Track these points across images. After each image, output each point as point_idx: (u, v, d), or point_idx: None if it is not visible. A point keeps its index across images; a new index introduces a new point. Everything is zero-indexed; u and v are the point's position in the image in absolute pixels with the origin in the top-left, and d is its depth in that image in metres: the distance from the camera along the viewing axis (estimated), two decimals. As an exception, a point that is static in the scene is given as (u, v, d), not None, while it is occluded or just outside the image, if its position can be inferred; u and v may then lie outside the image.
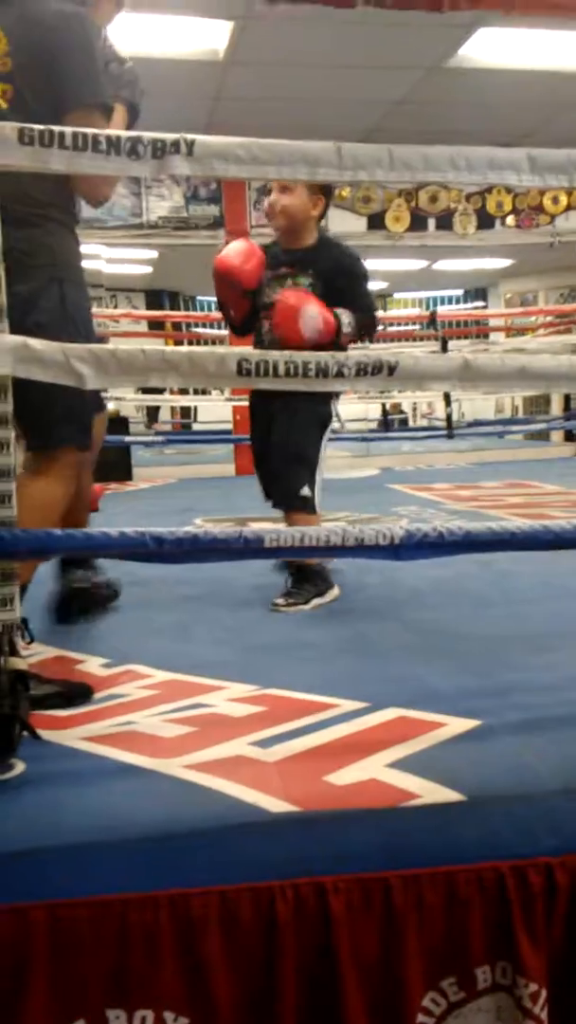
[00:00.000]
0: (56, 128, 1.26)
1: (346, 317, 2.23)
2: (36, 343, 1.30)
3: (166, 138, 1.30)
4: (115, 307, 8.08)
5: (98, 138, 1.28)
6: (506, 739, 1.31)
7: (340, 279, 2.30)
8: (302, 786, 1.17)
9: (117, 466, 5.54)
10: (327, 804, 1.13)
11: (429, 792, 1.15)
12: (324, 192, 2.40)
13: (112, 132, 1.28)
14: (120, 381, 1.36)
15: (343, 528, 1.40)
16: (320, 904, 1.06)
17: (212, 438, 6.97)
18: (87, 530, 1.33)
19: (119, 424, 6.39)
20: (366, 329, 2.33)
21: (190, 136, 1.30)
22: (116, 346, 1.32)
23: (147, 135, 1.29)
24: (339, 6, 1.33)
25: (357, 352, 1.43)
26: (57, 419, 1.67)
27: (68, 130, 1.26)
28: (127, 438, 5.97)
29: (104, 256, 6.86)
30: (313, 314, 2.16)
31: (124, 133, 1.28)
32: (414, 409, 11.63)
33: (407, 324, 8.57)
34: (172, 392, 7.24)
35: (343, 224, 6.38)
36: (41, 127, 1.25)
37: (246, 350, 1.38)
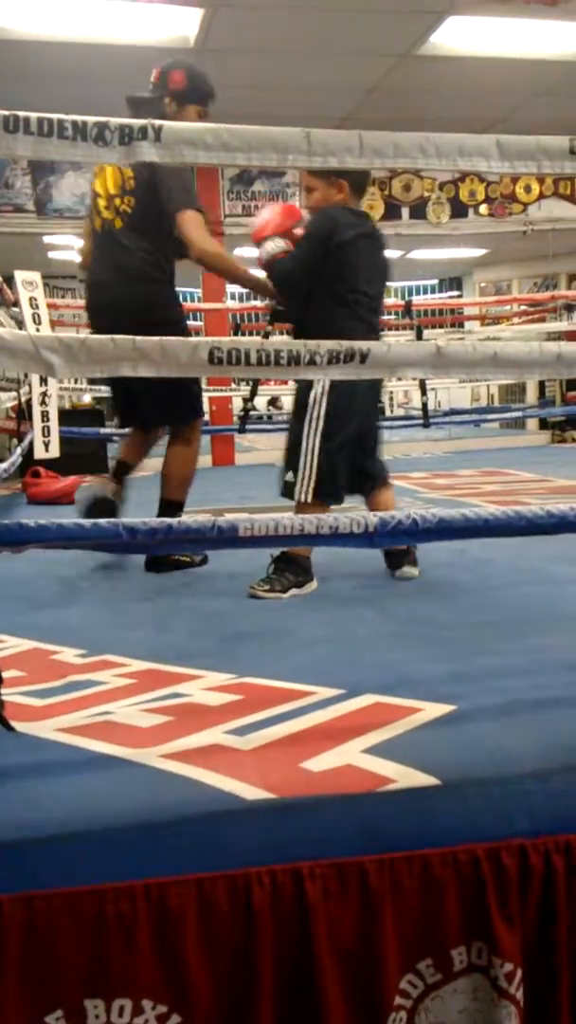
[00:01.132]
0: (21, 114, 1.24)
1: (272, 244, 2.31)
2: (4, 333, 1.29)
3: (133, 124, 1.28)
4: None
5: (64, 124, 1.26)
6: (481, 723, 1.32)
7: None
8: (278, 773, 1.17)
9: (93, 459, 5.50)
10: (303, 790, 1.14)
11: (405, 777, 1.16)
12: (344, 176, 2.32)
13: (79, 118, 1.27)
14: (90, 370, 1.35)
15: (317, 516, 1.40)
16: (297, 890, 1.07)
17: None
18: (60, 521, 1.32)
19: (94, 417, 6.36)
20: (275, 271, 2.33)
21: (158, 122, 1.29)
22: (87, 335, 1.31)
23: (114, 121, 1.28)
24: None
25: (330, 341, 1.43)
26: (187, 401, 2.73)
27: (33, 116, 1.24)
28: (102, 430, 5.94)
29: (77, 247, 6.79)
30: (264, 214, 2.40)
31: (91, 119, 1.27)
32: (390, 399, 11.65)
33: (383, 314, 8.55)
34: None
35: (317, 213, 6.36)
36: (6, 112, 1.23)
37: (218, 339, 1.37)
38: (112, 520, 1.33)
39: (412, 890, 1.10)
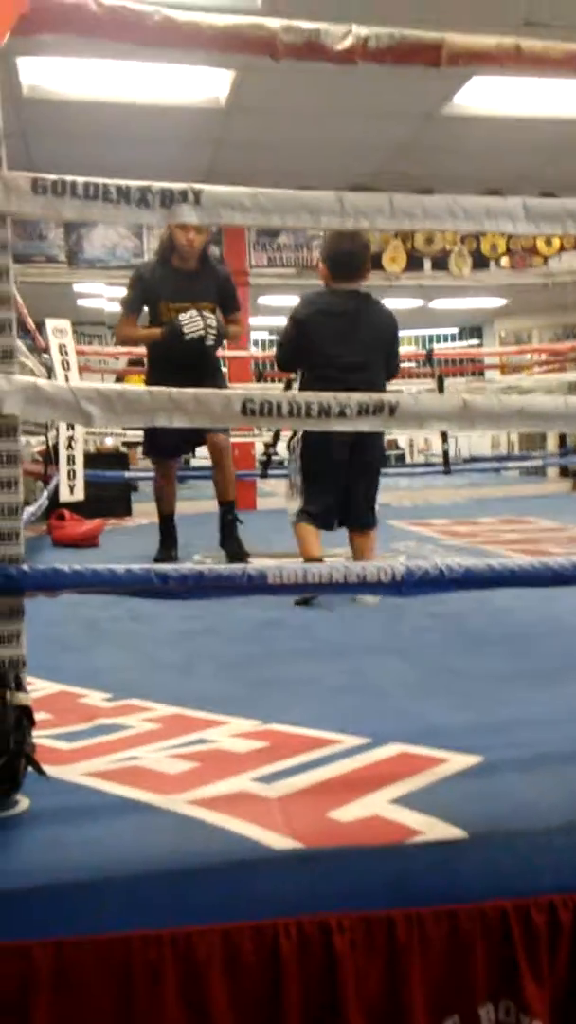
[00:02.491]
0: (68, 178, 1.30)
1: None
2: (46, 384, 1.34)
3: (174, 188, 1.34)
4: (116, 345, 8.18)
5: (108, 188, 1.32)
6: (508, 775, 1.31)
7: None
8: (305, 822, 1.18)
9: (117, 502, 5.57)
10: (330, 841, 1.14)
11: (432, 829, 1.16)
12: (325, 260, 2.96)
13: (122, 182, 1.33)
14: (127, 420, 1.39)
15: (345, 565, 1.42)
16: (324, 942, 1.06)
17: (209, 474, 7.00)
18: (94, 567, 1.35)
19: (118, 460, 6.44)
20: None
21: (197, 186, 1.35)
22: (125, 386, 1.35)
23: (156, 185, 1.34)
24: (341, 63, 1.38)
25: (359, 394, 1.47)
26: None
27: (80, 180, 1.31)
28: (127, 474, 6.01)
29: (106, 295, 6.97)
30: None
31: (134, 183, 1.33)
32: (411, 445, 11.71)
33: (404, 362, 8.65)
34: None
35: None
36: (55, 177, 1.29)
37: (250, 391, 1.41)
38: (144, 567, 1.36)
39: (440, 945, 1.09)
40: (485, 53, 1.50)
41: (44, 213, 1.30)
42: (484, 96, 5.06)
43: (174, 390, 1.38)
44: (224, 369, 6.36)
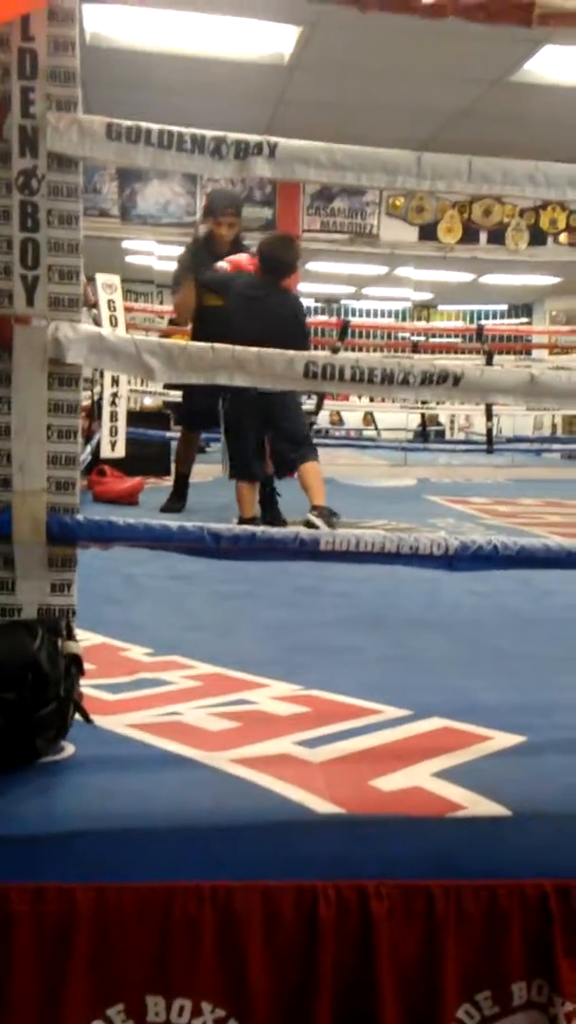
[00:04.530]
0: (144, 124, 1.28)
1: None
2: (110, 335, 1.33)
3: (249, 139, 1.31)
4: (161, 303, 8.14)
5: (183, 137, 1.30)
6: (553, 757, 1.30)
7: None
8: (347, 789, 1.17)
9: (157, 461, 5.58)
10: (372, 808, 1.14)
11: (475, 804, 1.15)
12: (259, 255, 3.51)
13: (197, 131, 1.30)
14: (188, 376, 1.38)
15: (399, 536, 1.40)
16: (362, 907, 1.07)
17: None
18: (148, 521, 1.35)
19: (160, 420, 6.45)
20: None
21: (273, 139, 1.32)
22: (187, 342, 1.33)
23: (231, 136, 1.31)
24: (430, 17, 1.33)
25: (423, 362, 1.44)
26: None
27: (155, 127, 1.28)
28: (168, 434, 6.01)
29: (156, 253, 6.93)
30: None
31: (209, 133, 1.30)
32: (451, 421, 11.55)
33: (449, 336, 8.53)
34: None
35: (395, 233, 6.38)
36: (130, 123, 1.27)
37: (314, 353, 1.39)
38: (197, 524, 1.35)
39: (477, 920, 1.09)
40: (578, 13, 1.44)
41: (117, 159, 1.28)
42: (555, 65, 4.90)
43: (237, 348, 1.36)
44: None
